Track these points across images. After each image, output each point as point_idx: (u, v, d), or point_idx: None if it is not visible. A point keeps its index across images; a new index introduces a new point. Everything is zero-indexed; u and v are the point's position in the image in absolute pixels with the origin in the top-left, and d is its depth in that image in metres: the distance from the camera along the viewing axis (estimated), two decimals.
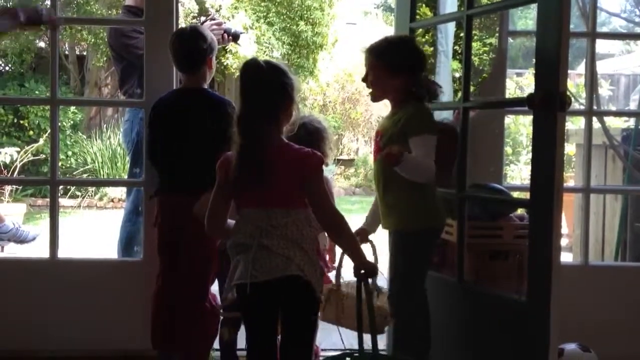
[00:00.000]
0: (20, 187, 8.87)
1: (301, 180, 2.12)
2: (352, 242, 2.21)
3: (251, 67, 2.15)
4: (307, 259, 2.13)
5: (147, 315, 2.92)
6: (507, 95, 4.86)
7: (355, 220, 2.74)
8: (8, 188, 7.97)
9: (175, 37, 2.91)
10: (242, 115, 2.12)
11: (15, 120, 9.96)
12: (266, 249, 2.09)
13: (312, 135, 2.84)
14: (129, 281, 3.16)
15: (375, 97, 2.71)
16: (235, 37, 3.58)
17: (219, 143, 2.35)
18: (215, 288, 2.98)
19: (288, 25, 11.54)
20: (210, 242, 2.69)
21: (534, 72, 2.44)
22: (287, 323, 2.19)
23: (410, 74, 2.63)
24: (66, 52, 11.27)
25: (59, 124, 8.64)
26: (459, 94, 2.94)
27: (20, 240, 4.81)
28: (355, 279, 2.20)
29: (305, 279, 2.11)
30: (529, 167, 2.46)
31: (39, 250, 4.03)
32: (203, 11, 11.24)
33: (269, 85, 2.13)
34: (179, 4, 3.25)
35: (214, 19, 3.60)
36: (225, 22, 3.88)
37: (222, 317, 2.83)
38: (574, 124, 6.31)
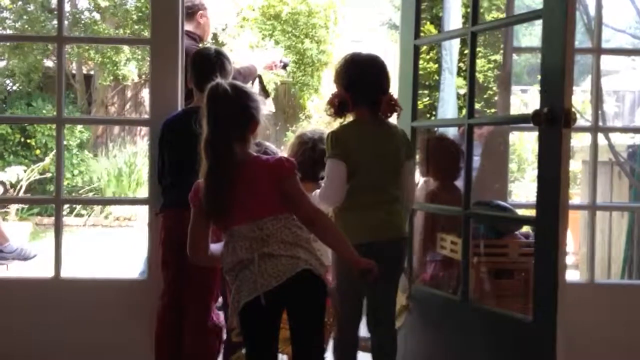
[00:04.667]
0: (27, 206, 8.90)
1: (278, 185, 2.16)
2: (338, 238, 2.22)
3: (217, 93, 2.18)
4: (310, 255, 2.15)
5: (151, 334, 2.91)
6: (512, 112, 4.86)
7: None
8: (14, 207, 7.98)
9: (200, 56, 2.96)
10: (209, 140, 2.14)
11: (22, 140, 10.00)
12: (269, 256, 2.10)
13: (306, 144, 3.02)
14: (133, 300, 3.15)
15: None
16: (284, 66, 4.17)
17: None
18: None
19: (293, 43, 11.63)
20: None
21: (539, 88, 2.44)
22: (300, 319, 2.18)
23: (343, 89, 2.67)
24: (73, 72, 11.35)
25: (66, 142, 8.68)
26: (464, 111, 2.93)
27: (24, 258, 4.87)
28: None
29: (316, 272, 2.13)
30: (534, 184, 2.44)
31: (43, 269, 4.03)
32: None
33: (235, 110, 2.17)
34: (185, 25, 3.26)
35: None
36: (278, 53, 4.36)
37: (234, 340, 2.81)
38: (580, 141, 6.29)
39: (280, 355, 2.40)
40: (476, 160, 3.51)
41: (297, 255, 2.11)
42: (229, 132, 2.14)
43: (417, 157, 3.20)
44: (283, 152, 2.85)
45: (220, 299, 3.06)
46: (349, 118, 2.70)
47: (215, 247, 2.24)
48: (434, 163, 3.28)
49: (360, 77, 2.66)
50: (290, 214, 2.18)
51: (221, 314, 2.98)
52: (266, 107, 2.32)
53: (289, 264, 2.09)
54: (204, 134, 2.16)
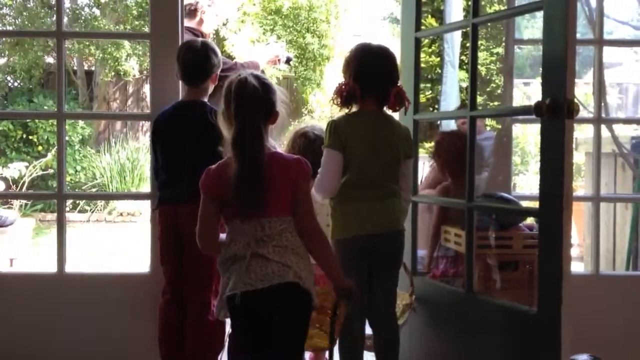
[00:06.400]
0: (30, 202, 8.90)
1: (290, 186, 2.12)
2: (328, 256, 2.19)
3: (247, 90, 2.11)
4: (304, 266, 2.11)
5: (154, 328, 2.91)
6: (514, 105, 4.85)
7: None
8: (17, 203, 7.98)
9: (186, 49, 2.91)
10: (238, 137, 2.09)
11: (24, 136, 10.01)
12: (261, 257, 2.07)
13: (314, 143, 2.88)
14: (136, 294, 3.15)
15: None
16: (287, 60, 4.19)
17: (216, 156, 2.33)
18: None
19: (295, 37, 11.60)
20: None
21: (541, 81, 2.42)
22: (281, 333, 2.12)
23: (352, 79, 2.64)
24: (74, 68, 11.34)
25: (68, 138, 8.67)
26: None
27: (1, 224, 5.05)
28: None
29: (304, 286, 2.09)
30: (538, 177, 2.43)
31: (47, 265, 4.04)
32: None
33: (262, 104, 2.13)
34: (184, 20, 3.25)
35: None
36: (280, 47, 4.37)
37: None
38: (583, 132, 6.28)
39: None
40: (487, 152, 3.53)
41: (288, 263, 2.07)
42: (257, 128, 2.10)
43: (431, 152, 3.17)
44: (281, 148, 2.81)
45: None
46: (355, 109, 2.68)
47: (224, 237, 2.19)
48: (447, 159, 3.27)
49: (370, 68, 2.64)
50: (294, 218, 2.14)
51: None
52: (284, 97, 2.25)
53: (278, 270, 2.05)
54: (233, 131, 2.10)
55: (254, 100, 2.11)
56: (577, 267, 4.69)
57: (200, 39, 3.13)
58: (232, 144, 2.10)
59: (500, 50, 8.75)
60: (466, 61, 4.04)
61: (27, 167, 8.31)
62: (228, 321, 2.90)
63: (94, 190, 9.62)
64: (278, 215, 2.11)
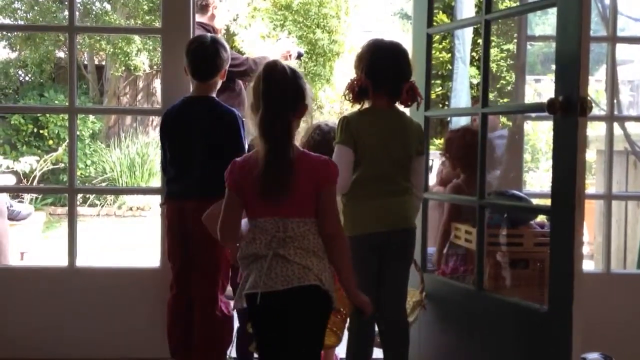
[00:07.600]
0: (40, 196, 8.95)
1: (315, 188, 2.07)
2: (346, 264, 2.13)
3: (276, 71, 2.07)
4: (324, 268, 2.08)
5: (164, 322, 2.92)
6: (526, 102, 4.83)
7: None
8: (28, 197, 8.04)
9: (195, 44, 2.90)
10: (265, 120, 2.03)
11: (35, 130, 10.06)
12: (282, 258, 2.04)
13: (328, 134, 2.87)
14: (146, 288, 3.16)
15: None
16: (298, 56, 4.26)
17: (224, 152, 2.31)
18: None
19: (305, 33, 11.59)
20: (218, 248, 2.68)
21: (552, 78, 2.41)
22: (299, 334, 2.09)
23: (364, 75, 2.62)
24: (85, 62, 11.38)
25: (78, 133, 8.71)
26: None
27: (12, 217, 5.31)
28: None
29: (324, 288, 2.06)
30: (548, 175, 2.42)
31: (58, 258, 4.06)
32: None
33: (292, 90, 2.07)
34: (196, 15, 3.26)
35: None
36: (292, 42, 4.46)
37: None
38: (594, 130, 6.24)
39: None
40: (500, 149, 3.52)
41: (309, 265, 2.03)
42: (285, 114, 2.04)
43: (443, 149, 3.16)
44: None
45: (229, 288, 3.05)
46: (367, 105, 2.67)
47: (244, 226, 2.15)
48: (459, 157, 3.26)
49: (382, 64, 2.62)
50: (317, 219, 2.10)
51: (231, 303, 2.97)
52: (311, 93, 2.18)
53: (299, 272, 2.02)
54: (259, 114, 2.03)
55: (283, 83, 2.05)
56: (588, 265, 4.66)
57: (209, 34, 3.13)
58: (258, 126, 2.03)
59: (511, 46, 8.72)
60: (477, 57, 4.03)
61: (37, 162, 8.36)
62: (236, 316, 2.97)
63: (103, 184, 9.66)
64: (302, 216, 2.06)
